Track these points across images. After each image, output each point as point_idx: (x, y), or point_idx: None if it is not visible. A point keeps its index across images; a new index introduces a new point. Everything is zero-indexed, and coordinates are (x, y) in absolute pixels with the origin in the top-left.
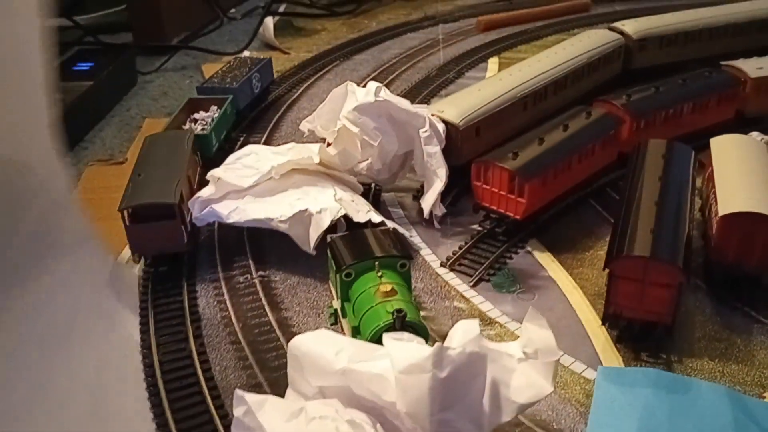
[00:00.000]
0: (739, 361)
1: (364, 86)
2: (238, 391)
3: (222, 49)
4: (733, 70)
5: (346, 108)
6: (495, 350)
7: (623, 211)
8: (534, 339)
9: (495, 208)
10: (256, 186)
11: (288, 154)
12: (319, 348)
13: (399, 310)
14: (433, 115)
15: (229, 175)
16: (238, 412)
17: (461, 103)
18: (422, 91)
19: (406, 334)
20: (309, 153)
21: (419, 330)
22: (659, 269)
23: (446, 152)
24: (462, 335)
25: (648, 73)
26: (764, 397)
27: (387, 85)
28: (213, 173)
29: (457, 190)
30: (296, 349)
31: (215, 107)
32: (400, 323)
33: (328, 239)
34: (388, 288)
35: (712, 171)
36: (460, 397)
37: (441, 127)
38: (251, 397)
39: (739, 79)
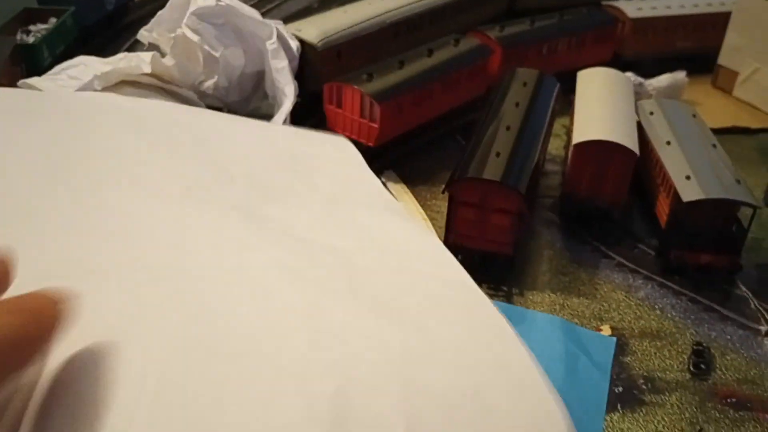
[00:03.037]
0: (581, 294)
1: None
2: None
3: None
4: (612, 9)
5: (187, 14)
6: None
7: (473, 134)
8: None
9: (348, 134)
10: None
11: (118, 64)
12: None
13: None
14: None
15: (46, 84)
16: None
17: (322, 24)
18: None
19: None
20: (139, 62)
21: None
22: (500, 194)
23: (303, 76)
24: None
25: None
26: (600, 330)
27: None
28: (26, 81)
29: (316, 119)
30: None
31: (55, 20)
32: None
33: None
34: None
35: (575, 103)
36: None
37: (294, 43)
38: None
39: (617, 19)
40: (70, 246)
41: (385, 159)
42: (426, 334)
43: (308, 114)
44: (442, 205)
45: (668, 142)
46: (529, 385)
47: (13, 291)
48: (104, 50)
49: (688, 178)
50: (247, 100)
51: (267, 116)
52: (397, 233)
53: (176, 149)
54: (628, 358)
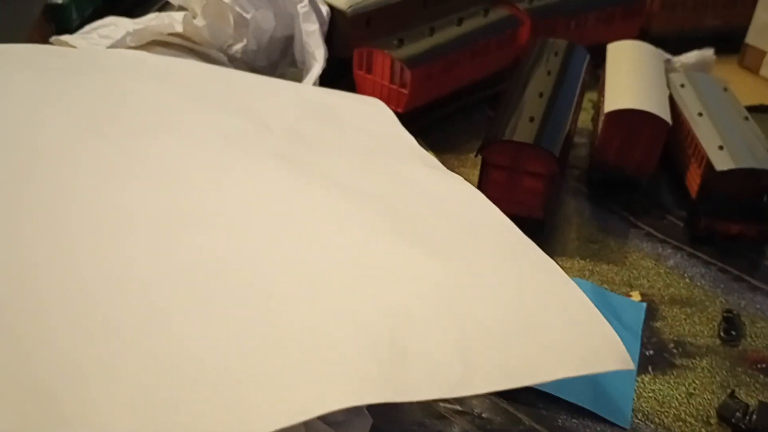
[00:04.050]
0: (610, 261)
1: None
2: None
3: None
4: None
5: None
6: None
7: (504, 99)
8: None
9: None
10: None
11: (149, 23)
12: None
13: None
14: None
15: (79, 42)
16: None
17: None
18: None
19: None
20: (171, 21)
21: None
22: (533, 157)
23: (333, 42)
24: None
25: None
26: (630, 296)
27: None
28: (59, 38)
29: (344, 86)
30: None
31: None
32: None
33: None
34: None
35: (605, 75)
36: None
37: (324, 8)
38: None
39: None
40: (116, 194)
41: (412, 127)
42: (476, 273)
43: (335, 81)
44: (470, 173)
45: (700, 114)
46: (584, 315)
47: (70, 239)
48: (132, 14)
49: (720, 148)
50: (274, 65)
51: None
52: (438, 184)
53: (211, 103)
54: (659, 323)
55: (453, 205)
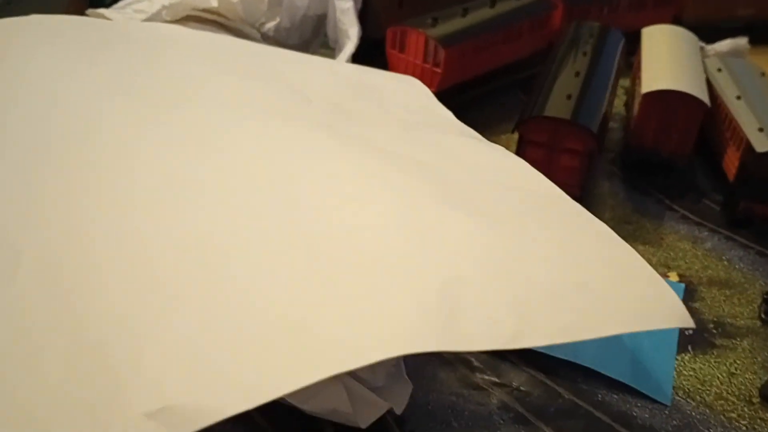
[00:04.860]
0: (646, 242)
1: None
2: None
3: None
4: None
5: None
6: None
7: (540, 78)
8: None
9: None
10: None
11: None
12: None
13: None
14: None
15: (114, 15)
16: None
17: None
18: None
19: None
20: None
21: None
22: (571, 134)
23: (366, 22)
24: None
25: None
26: (668, 276)
27: None
28: (94, 10)
29: (375, 66)
30: None
31: None
32: None
33: None
34: None
35: (640, 58)
36: None
37: None
38: None
39: None
40: (170, 161)
41: (445, 105)
42: (526, 235)
43: (366, 61)
44: None
45: (738, 97)
46: (639, 273)
47: (131, 204)
48: None
49: (760, 130)
50: (306, 44)
51: None
52: (480, 153)
53: (249, 76)
54: (697, 304)
55: (499, 175)
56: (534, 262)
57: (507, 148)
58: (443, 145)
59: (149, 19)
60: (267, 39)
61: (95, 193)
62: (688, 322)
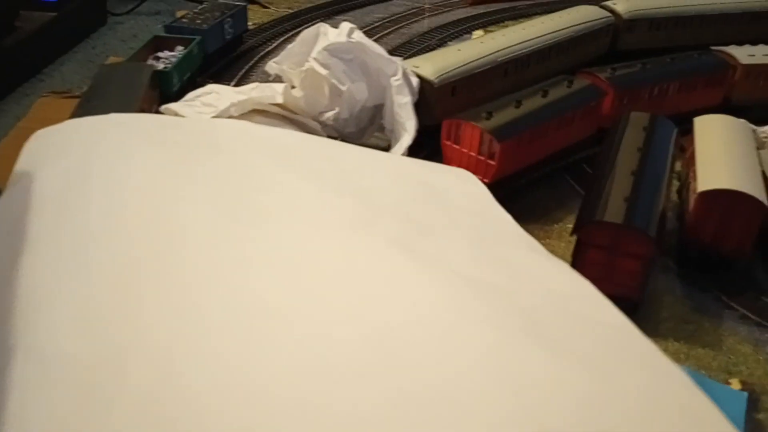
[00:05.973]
0: (706, 345)
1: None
2: None
3: None
4: (723, 54)
5: (317, 49)
6: None
7: (597, 178)
8: None
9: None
10: None
11: (251, 93)
12: None
13: None
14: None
15: (186, 110)
16: None
17: (438, 61)
18: (402, 55)
19: None
20: (272, 92)
21: None
22: (631, 238)
23: (419, 110)
24: None
25: (636, 57)
26: (729, 383)
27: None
28: (169, 106)
29: (427, 152)
30: None
31: (181, 48)
32: None
33: None
34: None
35: (694, 150)
36: None
37: (415, 80)
38: None
39: (728, 64)
40: (251, 281)
41: (497, 194)
42: (607, 380)
43: (419, 147)
44: (556, 244)
45: None
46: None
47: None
48: (222, 76)
49: None
50: (362, 131)
51: (380, 148)
52: (549, 274)
53: (324, 181)
54: (761, 415)
55: (569, 301)
56: (618, 413)
57: (559, 237)
58: (513, 264)
59: (219, 115)
60: (326, 127)
61: (193, 320)
62: None
